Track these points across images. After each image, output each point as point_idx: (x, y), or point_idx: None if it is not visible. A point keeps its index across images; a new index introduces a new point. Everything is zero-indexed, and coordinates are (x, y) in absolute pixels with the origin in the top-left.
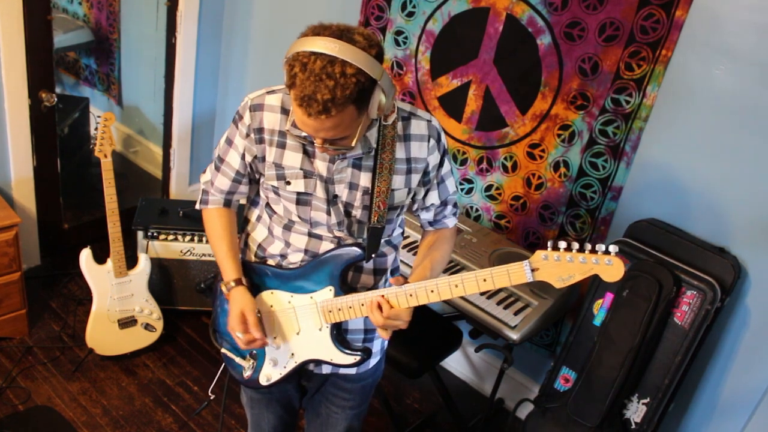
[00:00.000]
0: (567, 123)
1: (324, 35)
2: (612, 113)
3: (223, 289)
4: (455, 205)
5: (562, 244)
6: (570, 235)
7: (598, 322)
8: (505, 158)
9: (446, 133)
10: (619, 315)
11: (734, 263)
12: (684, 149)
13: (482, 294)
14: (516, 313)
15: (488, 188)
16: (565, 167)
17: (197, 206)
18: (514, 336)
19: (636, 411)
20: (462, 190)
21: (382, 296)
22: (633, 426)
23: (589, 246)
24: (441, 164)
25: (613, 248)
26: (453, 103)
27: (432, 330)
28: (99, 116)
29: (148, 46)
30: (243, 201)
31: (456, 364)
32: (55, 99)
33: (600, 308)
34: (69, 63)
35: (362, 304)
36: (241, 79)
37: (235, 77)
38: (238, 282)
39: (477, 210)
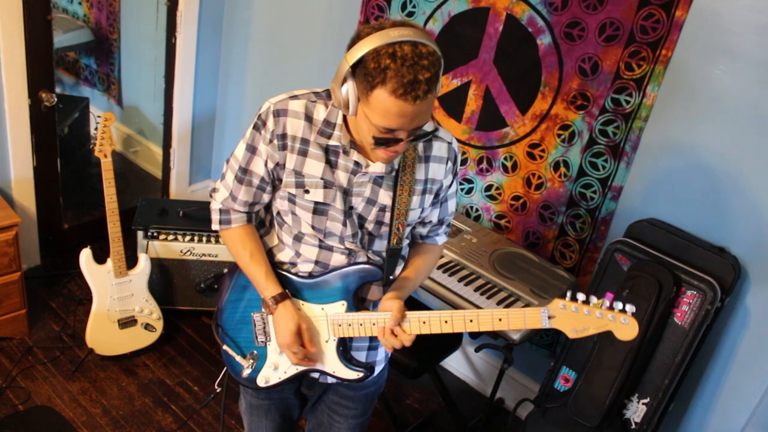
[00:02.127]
0: (567, 123)
1: (387, 27)
2: (612, 113)
3: (270, 303)
4: (448, 225)
5: (581, 297)
6: (570, 235)
7: None
8: (505, 158)
9: None
10: None
11: (734, 263)
12: (684, 149)
13: (482, 294)
14: None
15: (488, 188)
16: (565, 167)
17: (216, 227)
18: (514, 336)
19: (636, 411)
20: (462, 190)
21: (400, 327)
22: (633, 426)
23: (607, 302)
24: (450, 185)
25: (630, 308)
26: (453, 103)
27: None
28: (99, 116)
29: (148, 46)
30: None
31: (456, 364)
32: (55, 99)
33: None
34: (69, 63)
35: (373, 324)
36: (241, 79)
37: (235, 77)
38: (285, 296)
39: (477, 210)
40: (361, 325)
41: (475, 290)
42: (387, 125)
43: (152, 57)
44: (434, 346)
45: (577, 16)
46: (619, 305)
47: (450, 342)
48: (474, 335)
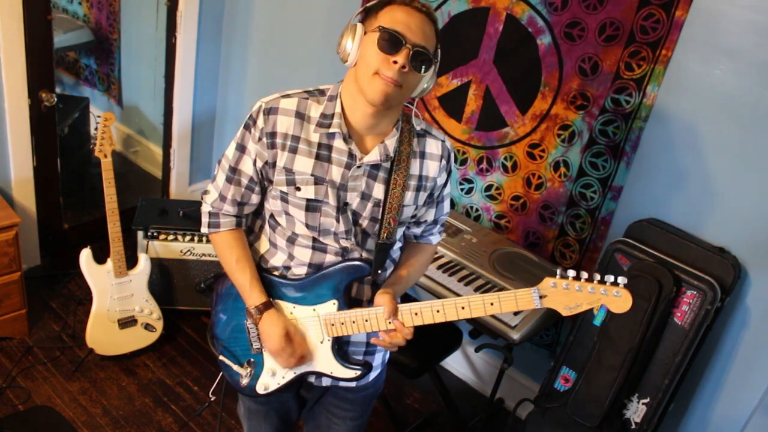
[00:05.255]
0: (567, 123)
1: None
2: (612, 113)
3: (253, 312)
4: (443, 225)
5: (571, 273)
6: (570, 235)
7: (598, 322)
8: (505, 158)
9: (446, 133)
10: (619, 315)
11: (734, 263)
12: (684, 149)
13: (482, 293)
14: (516, 313)
15: (488, 188)
16: (565, 167)
17: (205, 230)
18: (515, 336)
19: (636, 411)
20: (462, 190)
21: (397, 319)
22: (633, 426)
23: (597, 276)
24: (445, 185)
25: (621, 280)
26: (453, 103)
27: (432, 330)
28: (99, 116)
29: (148, 46)
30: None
31: (456, 364)
32: (55, 99)
33: (600, 308)
34: (69, 63)
35: (366, 320)
36: (241, 79)
37: (235, 77)
38: (268, 305)
39: (477, 210)
40: (353, 322)
41: (476, 290)
42: (393, 26)
43: (152, 57)
44: (434, 346)
45: (577, 16)
46: (610, 278)
47: (450, 342)
48: (474, 335)
